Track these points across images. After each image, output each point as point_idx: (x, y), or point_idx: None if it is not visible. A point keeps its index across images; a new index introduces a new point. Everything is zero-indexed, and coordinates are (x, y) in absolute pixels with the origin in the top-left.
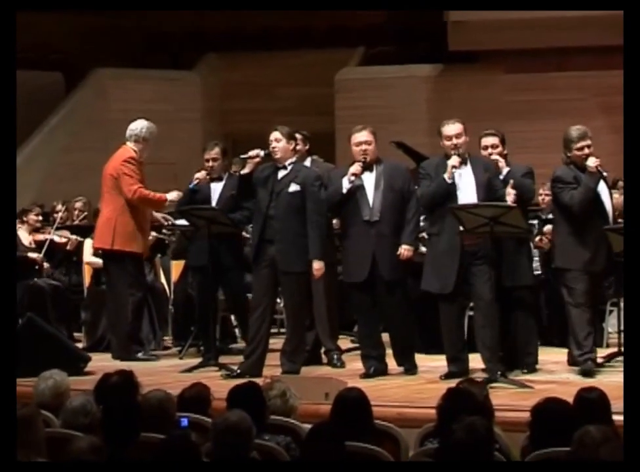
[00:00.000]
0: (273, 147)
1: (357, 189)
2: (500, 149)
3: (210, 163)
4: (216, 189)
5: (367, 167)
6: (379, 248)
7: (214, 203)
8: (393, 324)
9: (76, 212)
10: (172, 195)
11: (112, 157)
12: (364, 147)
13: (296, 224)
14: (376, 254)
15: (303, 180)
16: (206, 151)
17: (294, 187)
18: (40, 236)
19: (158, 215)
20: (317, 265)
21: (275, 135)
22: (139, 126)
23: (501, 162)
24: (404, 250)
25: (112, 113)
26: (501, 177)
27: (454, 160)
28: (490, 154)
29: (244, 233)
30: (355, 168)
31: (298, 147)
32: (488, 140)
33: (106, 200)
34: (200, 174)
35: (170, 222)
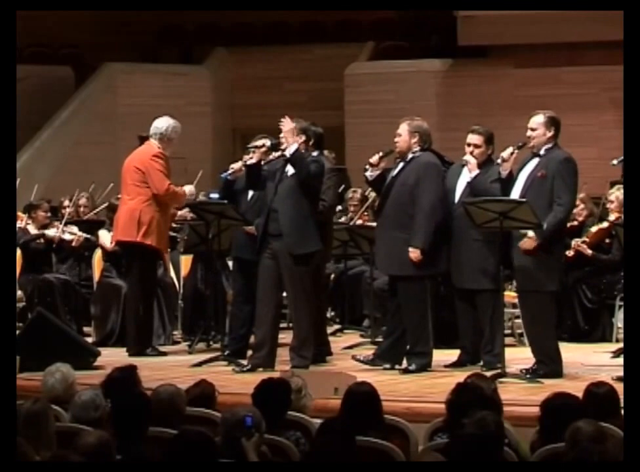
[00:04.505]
0: (283, 137)
1: (382, 181)
2: (481, 149)
3: (250, 154)
4: None
5: (401, 159)
6: (378, 240)
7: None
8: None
9: (81, 209)
10: (189, 188)
11: (136, 151)
12: (395, 139)
13: (297, 207)
14: (376, 246)
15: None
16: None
17: (292, 170)
18: (49, 233)
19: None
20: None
21: None
22: (165, 124)
23: (471, 165)
24: (410, 252)
25: (122, 107)
26: (468, 180)
27: (374, 157)
28: (471, 152)
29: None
30: (373, 158)
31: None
32: (472, 138)
33: (131, 193)
34: (236, 164)
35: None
